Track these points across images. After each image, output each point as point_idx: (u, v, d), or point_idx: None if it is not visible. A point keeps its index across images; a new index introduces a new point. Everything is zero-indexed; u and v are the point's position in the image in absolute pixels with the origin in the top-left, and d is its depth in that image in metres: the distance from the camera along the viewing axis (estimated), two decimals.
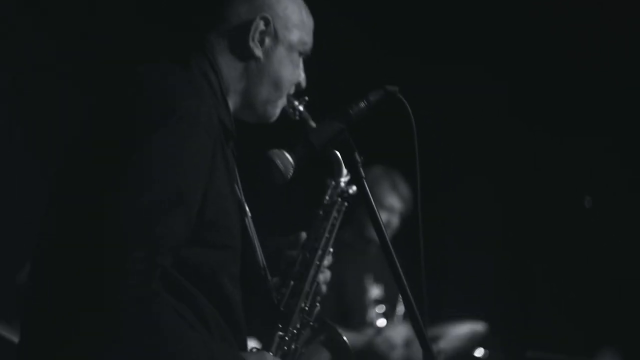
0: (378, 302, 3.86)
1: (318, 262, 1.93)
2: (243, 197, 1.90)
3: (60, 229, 1.64)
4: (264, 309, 1.92)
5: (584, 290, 4.55)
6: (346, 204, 2.00)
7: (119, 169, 1.57)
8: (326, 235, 1.96)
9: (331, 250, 1.97)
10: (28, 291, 1.74)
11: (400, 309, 3.88)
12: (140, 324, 1.52)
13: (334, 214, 1.98)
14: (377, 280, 3.89)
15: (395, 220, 3.84)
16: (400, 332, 3.72)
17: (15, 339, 3.40)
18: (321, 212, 1.99)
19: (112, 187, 1.56)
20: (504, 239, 5.18)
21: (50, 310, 1.59)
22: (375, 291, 3.87)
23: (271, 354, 1.82)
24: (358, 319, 3.77)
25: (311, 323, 1.91)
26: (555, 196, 4.78)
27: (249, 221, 1.91)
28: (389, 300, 3.88)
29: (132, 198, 1.54)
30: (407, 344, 3.73)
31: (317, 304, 1.93)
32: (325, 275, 1.97)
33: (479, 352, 3.97)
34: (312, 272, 1.92)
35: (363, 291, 3.83)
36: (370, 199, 1.46)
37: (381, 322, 3.83)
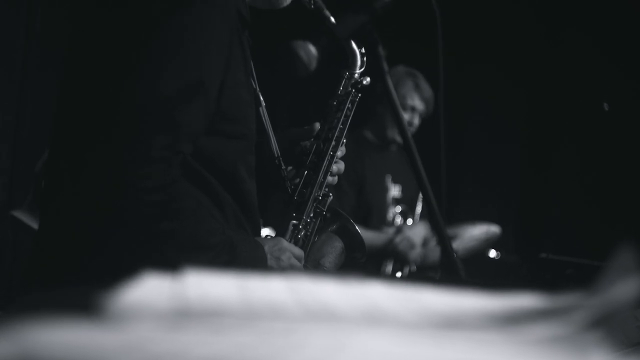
0: (397, 201, 3.88)
1: (332, 153, 1.94)
2: (257, 87, 1.89)
3: (78, 116, 1.63)
4: (278, 198, 1.94)
5: (600, 193, 4.55)
6: (360, 95, 1.99)
7: (138, 55, 1.55)
8: (340, 126, 1.96)
9: (344, 141, 1.97)
10: (46, 180, 1.75)
11: (419, 209, 3.91)
12: (161, 210, 1.53)
13: (348, 104, 1.97)
14: (396, 180, 3.90)
15: (415, 121, 3.81)
16: (419, 232, 3.75)
17: (36, 226, 3.45)
18: (335, 103, 1.98)
19: (133, 72, 1.54)
20: (524, 141, 5.16)
21: (70, 198, 1.60)
22: (394, 191, 3.88)
23: (286, 240, 1.84)
24: (377, 218, 3.79)
25: (324, 212, 1.93)
26: (574, 100, 4.72)
27: (263, 111, 1.91)
28: (406, 201, 3.90)
29: (154, 84, 1.54)
30: (425, 243, 3.77)
31: (330, 194, 1.95)
32: (339, 166, 1.97)
33: (493, 253, 4.01)
34: (325, 162, 1.93)
35: (383, 190, 3.84)
36: (392, 92, 1.44)
37: (400, 222, 3.87)
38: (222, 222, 1.69)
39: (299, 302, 0.71)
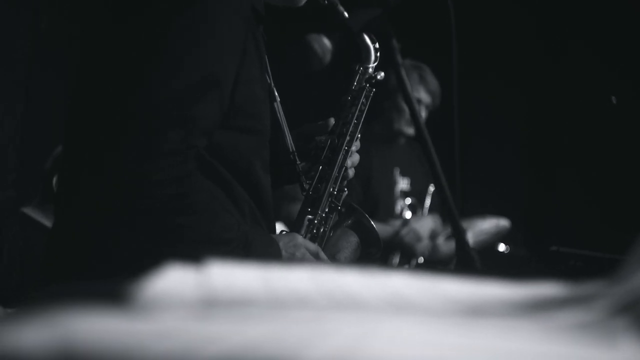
0: (406, 194, 3.88)
1: (346, 148, 1.94)
2: (272, 82, 1.89)
3: (92, 114, 1.63)
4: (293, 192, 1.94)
5: (609, 185, 4.54)
6: (374, 89, 1.98)
7: (151, 50, 1.55)
8: (354, 120, 1.96)
9: (359, 135, 1.97)
10: (61, 177, 1.75)
11: (428, 202, 3.90)
12: (176, 203, 1.53)
13: (362, 99, 1.97)
14: (404, 173, 3.89)
15: (422, 114, 3.81)
16: (426, 225, 3.74)
17: (46, 222, 3.49)
18: (349, 98, 1.98)
19: (146, 69, 1.54)
20: (529, 135, 5.15)
21: (86, 194, 1.60)
22: (402, 184, 3.88)
23: (301, 236, 1.84)
24: (385, 211, 3.79)
25: (339, 207, 1.93)
26: (581, 93, 4.72)
27: (278, 106, 1.91)
28: (415, 194, 3.89)
29: (168, 79, 1.54)
30: (432, 236, 3.76)
31: (345, 189, 1.95)
32: (353, 160, 1.97)
33: (502, 247, 4.01)
34: (340, 157, 1.93)
35: (391, 183, 3.83)
36: (406, 85, 1.44)
37: (408, 215, 3.85)
38: (238, 217, 1.69)
39: (322, 291, 0.71)
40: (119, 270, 1.30)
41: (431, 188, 3.88)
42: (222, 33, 1.60)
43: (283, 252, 1.74)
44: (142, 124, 1.52)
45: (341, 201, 1.93)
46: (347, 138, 1.94)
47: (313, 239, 1.88)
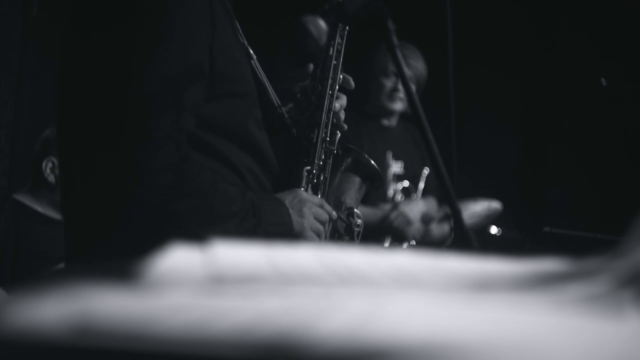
0: (399, 178, 3.85)
1: (331, 91, 1.93)
2: (246, 41, 1.89)
3: (79, 105, 1.63)
4: (286, 145, 1.94)
5: (601, 167, 4.56)
6: (347, 27, 1.97)
7: (129, 41, 1.56)
8: (334, 62, 1.94)
9: (341, 77, 1.96)
10: (61, 181, 1.76)
11: (422, 185, 3.88)
12: (175, 189, 1.54)
13: (337, 39, 1.95)
14: (397, 157, 3.87)
15: (400, 86, 3.74)
16: (417, 208, 3.73)
17: (38, 208, 3.47)
18: (323, 43, 1.97)
19: (128, 57, 1.55)
20: (521, 118, 5.17)
21: (80, 186, 1.61)
22: (395, 168, 3.86)
23: (302, 189, 1.84)
24: (377, 194, 3.77)
25: (334, 150, 1.93)
26: (573, 75, 4.73)
27: (255, 63, 1.91)
28: (409, 177, 3.87)
29: (149, 65, 1.54)
30: (425, 219, 3.74)
31: (338, 132, 1.94)
32: (341, 102, 1.96)
33: (494, 229, 4.01)
34: (326, 101, 1.92)
35: (384, 167, 3.81)
36: (402, 66, 1.43)
37: (401, 198, 3.84)
38: (241, 186, 1.71)
39: (328, 269, 0.71)
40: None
41: (425, 171, 3.87)
42: (191, 8, 1.61)
43: (291, 211, 1.74)
44: (132, 113, 1.52)
45: (335, 144, 1.93)
46: (330, 81, 1.93)
47: (315, 189, 1.87)
